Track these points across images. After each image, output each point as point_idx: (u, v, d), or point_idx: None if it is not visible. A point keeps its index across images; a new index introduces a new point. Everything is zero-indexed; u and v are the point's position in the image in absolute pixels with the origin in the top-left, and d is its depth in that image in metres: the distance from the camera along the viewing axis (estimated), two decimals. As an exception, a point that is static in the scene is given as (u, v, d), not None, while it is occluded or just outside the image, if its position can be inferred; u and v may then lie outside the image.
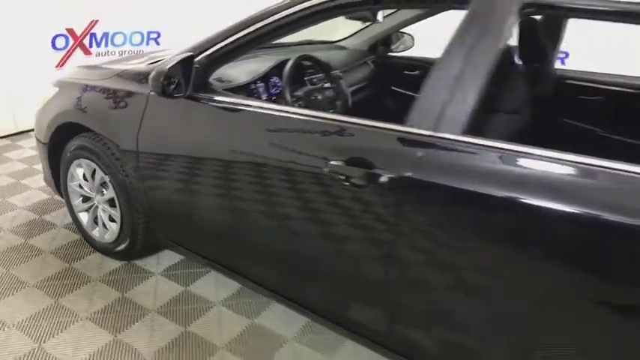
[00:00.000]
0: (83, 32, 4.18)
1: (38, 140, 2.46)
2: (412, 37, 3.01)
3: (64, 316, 1.95)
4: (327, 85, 2.25)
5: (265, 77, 2.20)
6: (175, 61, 1.61)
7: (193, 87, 1.71)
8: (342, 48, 2.98)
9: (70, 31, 4.10)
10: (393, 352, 1.51)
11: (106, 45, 4.39)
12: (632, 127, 2.12)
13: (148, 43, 4.65)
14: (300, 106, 1.98)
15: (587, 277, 1.11)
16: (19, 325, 1.89)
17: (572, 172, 1.11)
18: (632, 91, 2.17)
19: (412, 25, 2.79)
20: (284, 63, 2.13)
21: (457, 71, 1.25)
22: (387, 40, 2.99)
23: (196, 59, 1.70)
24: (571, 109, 2.26)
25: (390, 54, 3.03)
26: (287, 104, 1.96)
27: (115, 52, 4.45)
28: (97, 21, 4.23)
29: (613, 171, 1.05)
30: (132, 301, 2.07)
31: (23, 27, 3.71)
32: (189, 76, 1.68)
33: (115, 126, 2.01)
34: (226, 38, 1.67)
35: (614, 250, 1.06)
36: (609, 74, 2.28)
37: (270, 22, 1.59)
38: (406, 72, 2.84)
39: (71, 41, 4.12)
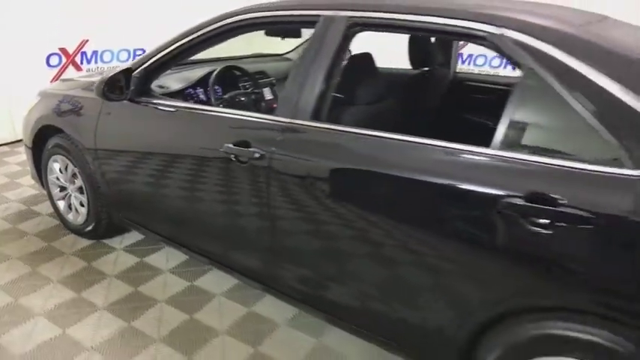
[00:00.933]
0: (75, 51, 4.71)
1: (25, 145, 2.95)
2: (349, 51, 3.45)
3: (39, 280, 2.42)
4: (256, 90, 2.72)
5: (206, 83, 2.66)
6: (114, 73, 2.08)
7: (134, 92, 2.18)
8: (287, 60, 3.45)
9: (63, 50, 4.63)
10: (271, 288, 1.97)
11: (96, 62, 4.91)
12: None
13: (134, 59, 5.17)
14: (224, 107, 2.43)
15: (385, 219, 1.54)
16: (1, 287, 2.35)
17: (376, 145, 1.55)
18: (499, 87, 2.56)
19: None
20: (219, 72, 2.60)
21: (305, 75, 1.70)
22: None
23: (136, 71, 2.18)
24: (455, 102, 2.65)
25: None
26: (211, 105, 2.43)
27: (104, 68, 4.97)
28: (87, 40, 4.75)
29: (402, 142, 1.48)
30: (95, 269, 2.52)
31: (21, 47, 4.24)
32: (128, 84, 2.14)
33: (79, 127, 2.48)
34: (157, 54, 2.14)
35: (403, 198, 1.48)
36: (494, 75, 2.71)
37: (190, 40, 2.06)
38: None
39: (64, 59, 4.66)
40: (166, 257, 2.65)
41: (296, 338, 2.07)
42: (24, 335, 2.05)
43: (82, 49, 4.78)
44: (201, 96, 2.62)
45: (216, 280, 2.43)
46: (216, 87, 2.67)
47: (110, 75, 2.09)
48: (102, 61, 4.97)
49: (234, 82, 2.68)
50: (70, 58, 4.71)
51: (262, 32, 2.25)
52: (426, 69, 2.52)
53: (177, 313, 2.21)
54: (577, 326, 1.26)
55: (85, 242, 2.77)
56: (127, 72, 2.15)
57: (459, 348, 1.48)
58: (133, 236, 2.82)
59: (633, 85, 1.21)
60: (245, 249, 2.02)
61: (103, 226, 2.68)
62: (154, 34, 4.99)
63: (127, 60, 5.12)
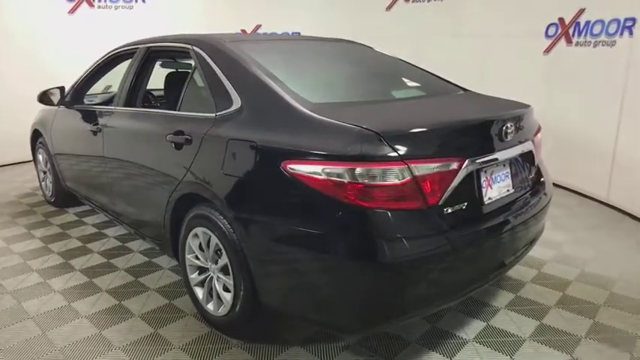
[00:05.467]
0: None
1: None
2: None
3: (13, 225, 3.73)
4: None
5: None
6: (51, 88, 3.43)
7: (70, 102, 3.49)
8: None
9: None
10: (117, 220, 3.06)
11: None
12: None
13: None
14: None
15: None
16: (-12, 225, 3.71)
17: (142, 115, 2.67)
18: None
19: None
20: None
21: (125, 80, 2.88)
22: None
23: (72, 88, 3.51)
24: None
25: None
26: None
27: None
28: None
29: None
30: (49, 222, 3.81)
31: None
32: (63, 96, 3.47)
33: (45, 128, 3.86)
34: (81, 78, 3.47)
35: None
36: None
37: (94, 69, 3.36)
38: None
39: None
40: (95, 217, 3.86)
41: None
42: (-15, 247, 3.34)
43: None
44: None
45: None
46: None
47: (46, 89, 3.44)
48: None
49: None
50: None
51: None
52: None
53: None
54: (207, 208, 2.17)
55: (52, 208, 4.11)
56: (61, 88, 3.49)
57: (169, 227, 2.43)
58: (83, 208, 4.08)
59: (231, 75, 2.19)
60: (105, 193, 3.15)
61: (60, 197, 3.99)
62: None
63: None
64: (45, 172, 4.17)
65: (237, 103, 2.07)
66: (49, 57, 5.75)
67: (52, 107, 3.83)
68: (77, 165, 3.47)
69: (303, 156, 1.71)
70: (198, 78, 2.38)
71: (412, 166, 1.63)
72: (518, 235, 2.09)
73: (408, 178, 1.63)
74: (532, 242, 2.34)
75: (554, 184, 4.62)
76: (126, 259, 3.10)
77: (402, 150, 1.63)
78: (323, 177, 1.65)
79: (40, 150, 4.11)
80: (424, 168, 1.66)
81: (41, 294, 2.66)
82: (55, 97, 3.50)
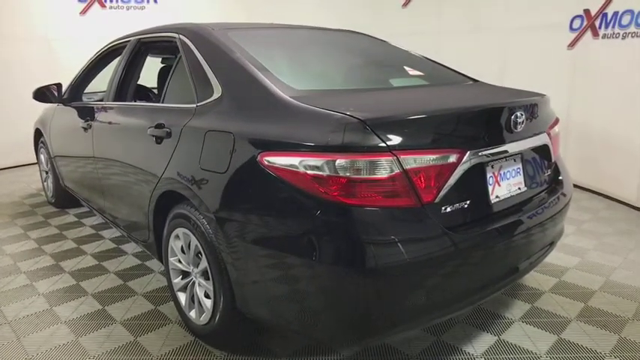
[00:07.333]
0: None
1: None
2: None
3: (11, 225, 3.66)
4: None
5: None
6: (48, 84, 3.33)
7: (67, 99, 3.39)
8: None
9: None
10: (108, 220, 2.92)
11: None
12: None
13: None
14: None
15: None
16: (-14, 226, 3.64)
17: (128, 108, 2.54)
18: None
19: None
20: None
21: (115, 74, 2.75)
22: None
23: (68, 85, 3.41)
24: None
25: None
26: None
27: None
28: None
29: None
30: (47, 222, 3.72)
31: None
32: (60, 93, 3.37)
33: (44, 127, 3.79)
34: (78, 75, 3.37)
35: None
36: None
37: (90, 64, 3.25)
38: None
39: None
40: (93, 219, 3.75)
41: None
42: (-21, 247, 3.26)
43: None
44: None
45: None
46: None
47: (44, 85, 3.35)
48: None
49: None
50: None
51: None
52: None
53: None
54: (187, 207, 2.00)
55: (53, 209, 4.03)
56: (58, 85, 3.39)
57: (153, 228, 2.27)
58: (83, 208, 3.99)
59: (213, 62, 2.02)
60: (97, 193, 3.02)
61: (61, 198, 3.90)
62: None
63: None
64: (47, 172, 4.10)
65: (217, 92, 1.90)
66: (61, 58, 5.73)
67: (52, 105, 3.76)
68: (73, 164, 3.36)
69: (280, 147, 1.53)
70: (183, 68, 2.22)
71: (402, 157, 1.42)
72: (532, 239, 1.85)
73: (397, 171, 1.42)
74: (549, 246, 2.09)
75: (579, 187, 4.45)
76: (118, 262, 2.97)
77: (391, 140, 1.42)
78: (301, 170, 1.46)
79: (42, 149, 4.04)
80: (416, 160, 1.45)
81: (24, 297, 2.53)
82: (51, 95, 3.40)
